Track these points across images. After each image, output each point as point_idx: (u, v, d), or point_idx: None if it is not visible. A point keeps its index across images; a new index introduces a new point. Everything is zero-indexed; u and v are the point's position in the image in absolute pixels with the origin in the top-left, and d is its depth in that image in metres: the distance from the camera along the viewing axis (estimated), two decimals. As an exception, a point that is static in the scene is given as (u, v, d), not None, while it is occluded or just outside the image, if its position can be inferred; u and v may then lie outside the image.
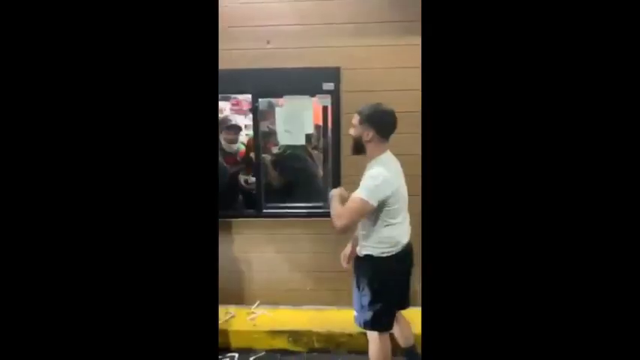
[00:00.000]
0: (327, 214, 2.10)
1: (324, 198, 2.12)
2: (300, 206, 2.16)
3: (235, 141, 2.39)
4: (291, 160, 2.29)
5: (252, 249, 2.19)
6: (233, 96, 2.95)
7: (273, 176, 2.26)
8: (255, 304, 2.19)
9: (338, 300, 2.12)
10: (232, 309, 2.15)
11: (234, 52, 1.98)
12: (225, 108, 3.04)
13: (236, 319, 2.07)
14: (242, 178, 2.33)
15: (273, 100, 2.13)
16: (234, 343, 1.98)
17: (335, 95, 2.00)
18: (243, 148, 2.45)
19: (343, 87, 1.99)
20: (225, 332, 1.97)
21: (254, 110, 2.06)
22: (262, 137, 2.17)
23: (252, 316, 2.09)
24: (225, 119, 2.55)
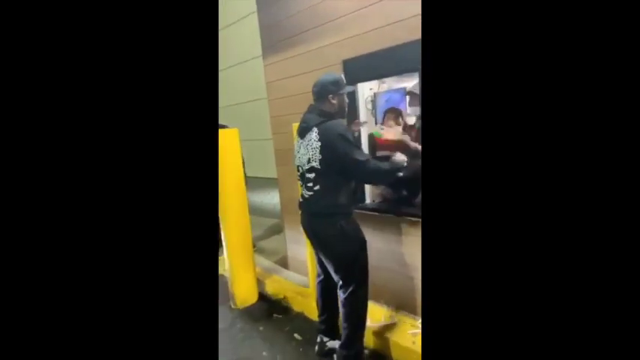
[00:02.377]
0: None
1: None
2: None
3: (391, 125, 2.09)
4: None
5: (419, 253, 1.88)
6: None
7: None
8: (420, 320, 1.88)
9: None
10: (398, 316, 1.96)
11: (399, 24, 1.71)
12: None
13: (398, 328, 1.87)
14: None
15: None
16: (393, 352, 1.80)
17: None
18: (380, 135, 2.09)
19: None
20: (386, 338, 1.83)
21: (408, 94, 1.71)
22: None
23: (414, 331, 1.82)
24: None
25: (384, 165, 1.55)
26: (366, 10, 1.83)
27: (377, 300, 2.10)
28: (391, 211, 1.98)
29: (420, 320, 1.88)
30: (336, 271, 1.64)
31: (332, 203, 1.55)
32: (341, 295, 1.66)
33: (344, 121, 1.60)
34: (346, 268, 1.61)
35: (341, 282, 1.64)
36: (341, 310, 1.68)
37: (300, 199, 1.68)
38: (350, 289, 1.62)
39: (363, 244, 1.65)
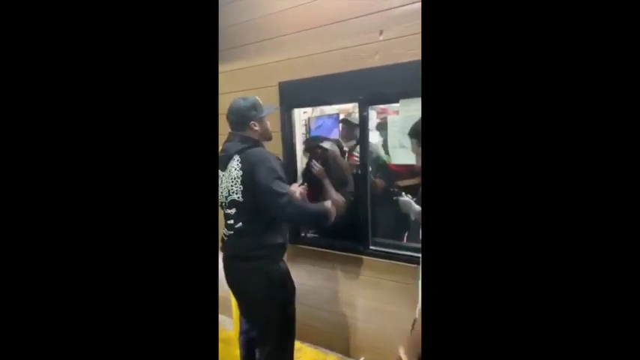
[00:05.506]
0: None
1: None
2: (417, 248, 1.60)
3: None
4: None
5: (357, 292, 1.79)
6: (381, 106, 2.49)
7: None
8: (359, 361, 1.77)
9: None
10: (334, 358, 1.82)
11: (340, 52, 1.65)
12: (372, 117, 2.68)
13: (333, 373, 1.73)
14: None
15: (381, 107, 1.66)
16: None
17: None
18: None
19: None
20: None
21: (362, 120, 1.66)
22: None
23: (350, 376, 1.69)
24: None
25: (310, 207, 1.35)
26: (305, 32, 1.74)
27: (308, 341, 1.94)
28: (326, 246, 1.86)
29: (357, 363, 1.77)
30: (253, 326, 1.41)
31: (256, 244, 1.30)
32: (257, 355, 1.41)
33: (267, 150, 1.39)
34: (266, 324, 1.35)
35: (258, 339, 1.41)
36: None
37: (222, 240, 1.40)
38: (268, 349, 1.36)
39: (289, 295, 1.39)
